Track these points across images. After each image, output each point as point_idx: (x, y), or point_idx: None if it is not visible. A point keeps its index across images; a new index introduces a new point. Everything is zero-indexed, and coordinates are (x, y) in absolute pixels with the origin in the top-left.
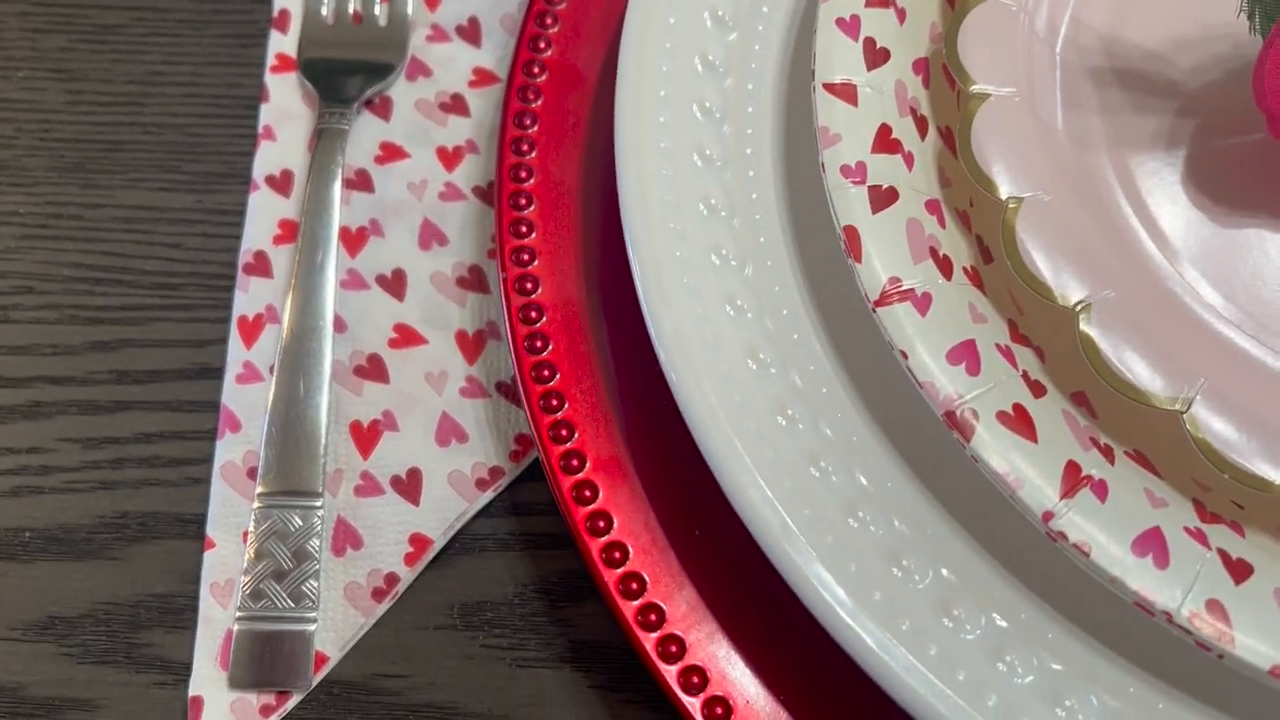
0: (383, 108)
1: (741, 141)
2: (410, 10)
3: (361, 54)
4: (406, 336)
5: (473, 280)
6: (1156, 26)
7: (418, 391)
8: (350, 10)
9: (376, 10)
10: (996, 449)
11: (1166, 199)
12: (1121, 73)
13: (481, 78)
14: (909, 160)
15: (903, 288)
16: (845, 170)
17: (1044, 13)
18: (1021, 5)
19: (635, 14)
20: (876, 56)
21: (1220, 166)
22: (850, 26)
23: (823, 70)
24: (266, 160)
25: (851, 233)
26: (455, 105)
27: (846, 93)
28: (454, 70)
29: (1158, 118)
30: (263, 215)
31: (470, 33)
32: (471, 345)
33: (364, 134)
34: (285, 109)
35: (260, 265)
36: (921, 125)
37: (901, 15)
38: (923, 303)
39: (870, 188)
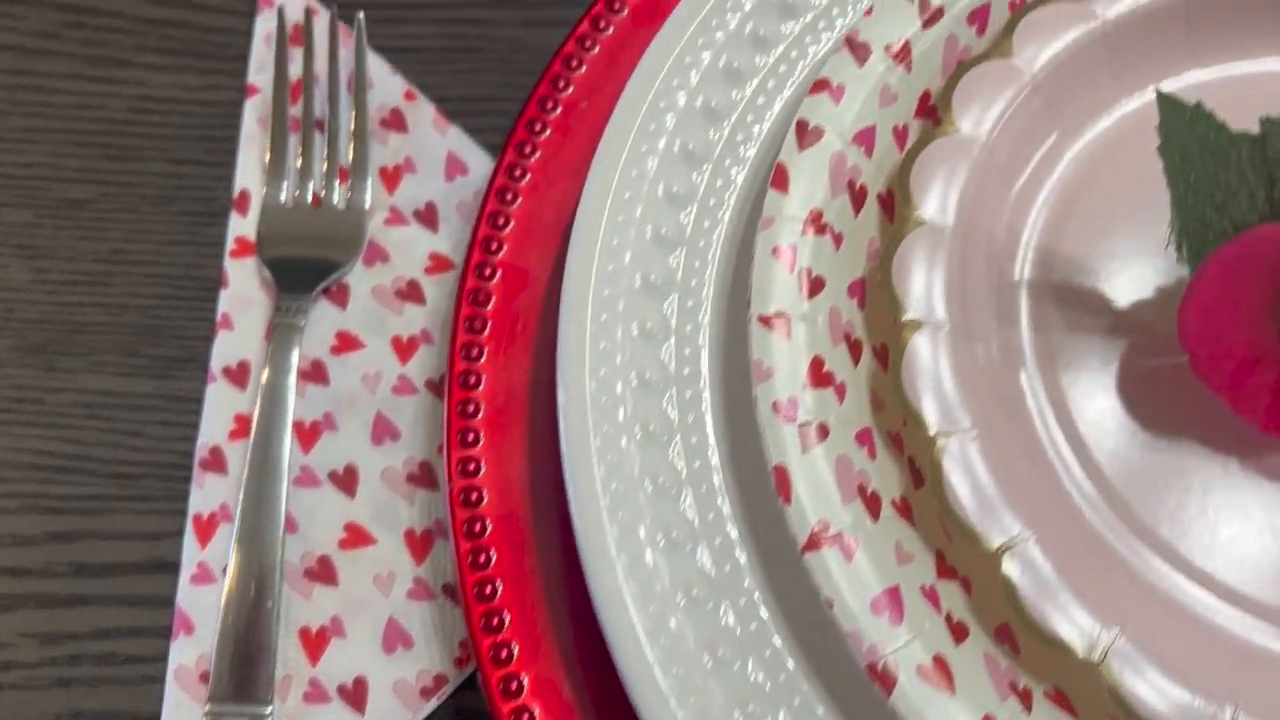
0: (340, 294)
1: (681, 363)
2: (369, 200)
3: (319, 246)
4: (356, 536)
5: (422, 476)
6: (1091, 240)
7: (366, 595)
8: (309, 194)
9: (335, 197)
10: (915, 703)
11: (1097, 422)
12: (1056, 287)
13: (438, 263)
14: (841, 392)
15: (830, 532)
16: (777, 406)
17: (981, 226)
18: (958, 222)
19: (580, 235)
20: (813, 286)
21: (1151, 388)
22: (787, 255)
23: (759, 302)
24: (223, 351)
25: (781, 473)
26: (411, 292)
27: (781, 325)
28: (411, 255)
29: (1090, 336)
30: (219, 409)
31: (428, 217)
32: (419, 545)
33: (321, 322)
34: (243, 295)
35: (215, 461)
36: (855, 350)
37: (838, 240)
38: (849, 547)
39: (801, 425)
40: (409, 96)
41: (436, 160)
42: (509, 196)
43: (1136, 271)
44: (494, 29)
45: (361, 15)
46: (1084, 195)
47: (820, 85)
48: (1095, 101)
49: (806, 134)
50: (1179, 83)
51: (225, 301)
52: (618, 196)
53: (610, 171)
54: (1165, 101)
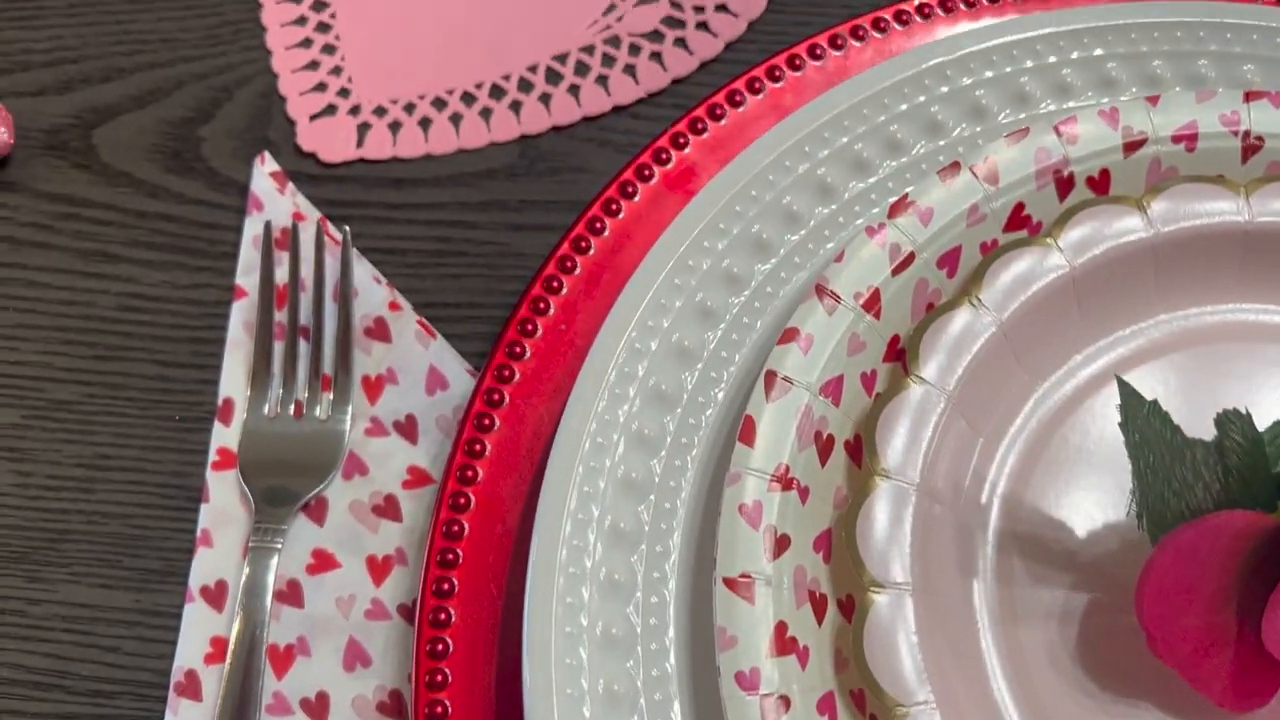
0: (318, 510)
1: (647, 612)
2: (350, 418)
3: (299, 470)
4: None
5: (392, 706)
6: (1058, 488)
7: None
8: (291, 405)
9: (318, 409)
10: None
11: (1056, 685)
12: (1021, 538)
13: (416, 478)
14: (804, 657)
15: None
16: (740, 678)
17: (947, 476)
18: (923, 476)
19: (550, 487)
20: (778, 545)
21: (1112, 647)
22: (752, 514)
23: (724, 564)
24: (202, 569)
25: None
26: (388, 508)
27: (745, 588)
28: (389, 469)
29: (1053, 590)
30: (196, 631)
31: (408, 429)
32: None
33: (298, 539)
34: (223, 511)
35: (191, 686)
36: (820, 606)
37: (804, 494)
38: None
39: (763, 697)
40: (393, 307)
41: (419, 373)
42: (486, 422)
43: (1103, 521)
44: (479, 232)
45: (348, 229)
46: (1052, 441)
47: (789, 335)
48: (1064, 345)
49: (774, 385)
50: (1147, 327)
51: (205, 517)
52: (591, 440)
53: (582, 419)
54: (1125, 388)
